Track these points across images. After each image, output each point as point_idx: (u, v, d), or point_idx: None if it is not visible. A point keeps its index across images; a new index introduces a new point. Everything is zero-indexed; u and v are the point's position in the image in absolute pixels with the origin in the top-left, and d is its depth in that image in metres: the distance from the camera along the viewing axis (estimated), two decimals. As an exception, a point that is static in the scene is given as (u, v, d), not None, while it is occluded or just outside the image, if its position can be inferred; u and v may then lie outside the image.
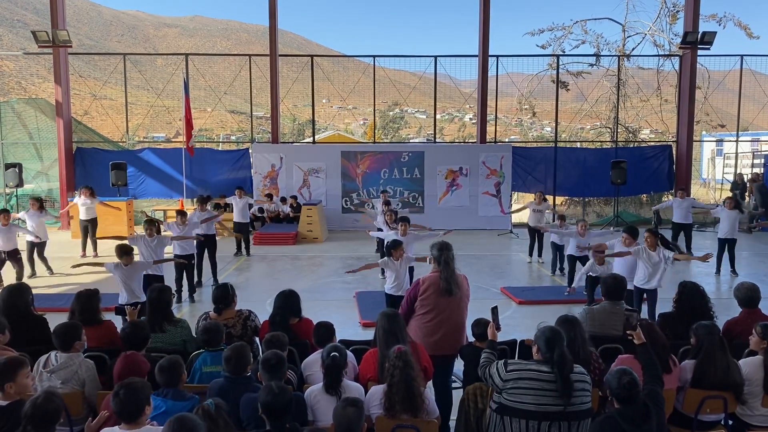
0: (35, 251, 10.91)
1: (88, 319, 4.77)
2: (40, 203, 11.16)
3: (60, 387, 3.85)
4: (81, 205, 12.62)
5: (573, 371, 3.37)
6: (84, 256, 12.48)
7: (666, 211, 18.14)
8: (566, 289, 9.53)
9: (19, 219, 11.40)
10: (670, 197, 18.83)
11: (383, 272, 10.27)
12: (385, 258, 6.79)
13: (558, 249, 10.74)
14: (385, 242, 9.08)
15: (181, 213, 9.27)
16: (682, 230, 12.71)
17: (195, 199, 10.91)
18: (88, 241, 12.65)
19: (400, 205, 16.19)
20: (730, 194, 17.13)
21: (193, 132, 15.53)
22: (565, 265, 10.37)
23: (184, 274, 9.19)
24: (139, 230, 16.35)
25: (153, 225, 7.94)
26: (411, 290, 4.80)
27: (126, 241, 7.25)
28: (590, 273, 8.36)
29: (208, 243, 9.92)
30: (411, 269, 8.33)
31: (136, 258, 7.07)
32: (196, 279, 9.63)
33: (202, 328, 4.40)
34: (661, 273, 6.88)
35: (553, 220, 11.05)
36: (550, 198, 17.71)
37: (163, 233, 8.48)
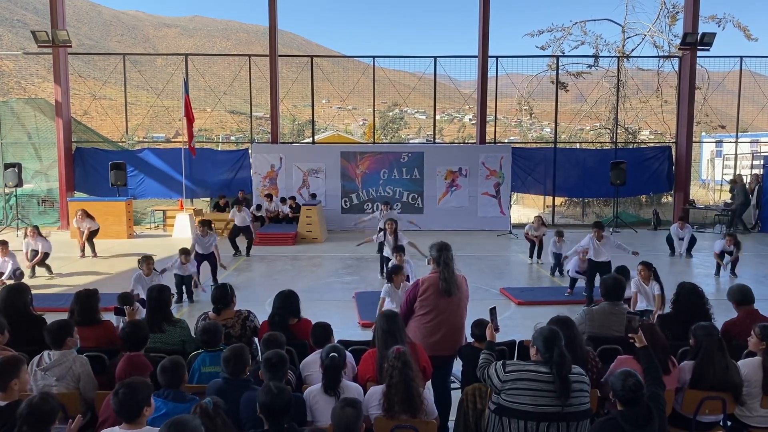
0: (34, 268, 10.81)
1: (87, 319, 4.77)
2: (36, 230, 10.92)
3: (55, 384, 3.85)
4: (80, 229, 12.57)
5: (571, 372, 3.37)
6: (83, 257, 12.47)
7: (665, 212, 18.22)
8: (566, 290, 9.53)
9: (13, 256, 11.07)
10: (670, 198, 18.90)
11: (382, 272, 10.34)
12: (387, 286, 6.78)
13: (558, 258, 10.72)
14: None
15: (185, 251, 9.05)
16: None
17: (198, 222, 10.85)
18: (86, 243, 12.60)
19: (400, 206, 16.20)
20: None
21: (194, 133, 15.54)
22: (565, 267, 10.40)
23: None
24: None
25: (150, 262, 7.72)
26: (410, 291, 4.80)
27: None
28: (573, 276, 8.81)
29: (208, 258, 9.92)
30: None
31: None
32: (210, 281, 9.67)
33: (201, 328, 4.39)
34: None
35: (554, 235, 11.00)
36: (549, 199, 17.79)
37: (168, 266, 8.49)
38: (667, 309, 5.22)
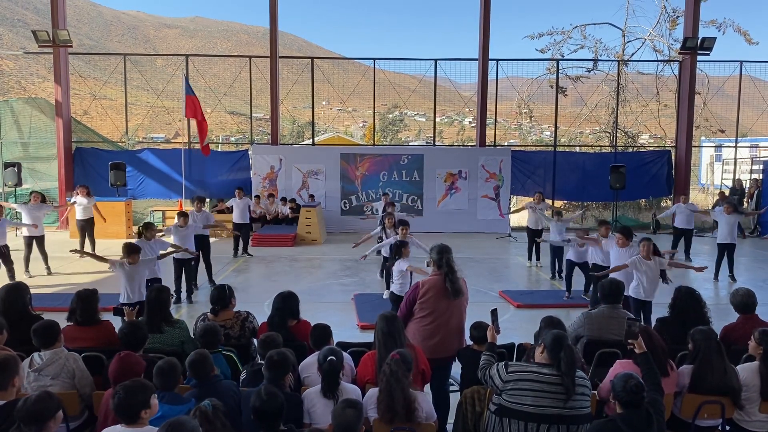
0: (34, 245, 10.83)
1: (87, 319, 4.76)
2: (42, 196, 11.14)
3: (50, 384, 3.83)
4: (77, 205, 12.55)
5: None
6: (82, 257, 12.44)
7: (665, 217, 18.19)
8: (564, 294, 9.52)
9: (14, 209, 11.32)
10: (669, 202, 18.88)
11: (381, 274, 10.33)
12: (399, 261, 7.04)
13: (556, 252, 10.71)
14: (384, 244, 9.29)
15: (182, 214, 9.21)
16: (683, 235, 12.71)
17: (192, 199, 10.92)
18: (86, 241, 12.58)
19: (399, 209, 16.20)
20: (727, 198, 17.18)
21: (194, 134, 15.53)
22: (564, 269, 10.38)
23: (183, 274, 9.18)
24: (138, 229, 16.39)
25: (153, 228, 7.95)
26: (410, 293, 4.79)
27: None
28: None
29: (202, 245, 9.90)
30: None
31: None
32: (206, 282, 9.70)
33: (201, 330, 4.39)
34: (657, 284, 6.86)
35: (552, 216, 10.95)
36: (548, 202, 17.77)
37: (162, 237, 8.50)
38: (665, 313, 5.20)
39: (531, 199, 12.69)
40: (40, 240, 10.91)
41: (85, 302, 4.81)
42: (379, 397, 3.53)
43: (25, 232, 10.87)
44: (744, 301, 4.96)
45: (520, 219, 18.00)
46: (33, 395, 2.99)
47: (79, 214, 12.59)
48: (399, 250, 7.00)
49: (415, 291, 4.73)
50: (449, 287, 4.62)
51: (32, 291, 5.24)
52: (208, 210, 10.83)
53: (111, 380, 3.60)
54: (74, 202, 12.71)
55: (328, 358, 3.64)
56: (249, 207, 13.10)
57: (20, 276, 10.16)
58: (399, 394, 3.48)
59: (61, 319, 4.36)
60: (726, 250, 10.89)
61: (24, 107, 18.11)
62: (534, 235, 11.87)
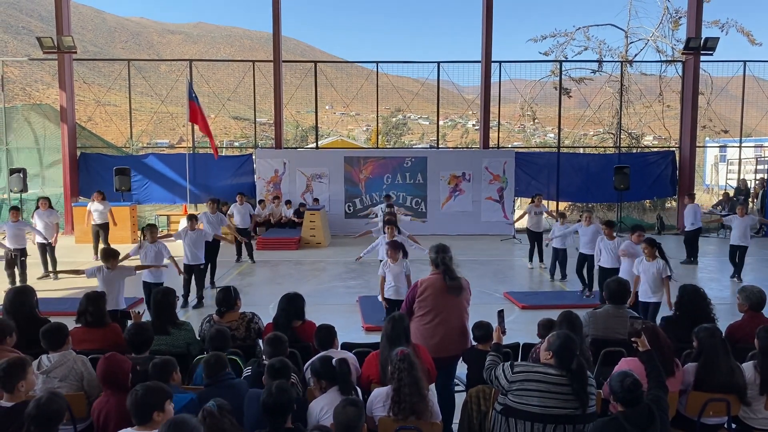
0: (46, 252, 11.03)
1: (95, 321, 4.79)
2: (48, 202, 11.25)
3: (58, 386, 3.86)
4: (94, 210, 12.77)
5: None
6: (57, 277, 12.42)
7: (669, 217, 18.15)
8: (585, 293, 9.47)
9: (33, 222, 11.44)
10: (674, 203, 18.84)
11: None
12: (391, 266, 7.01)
13: (558, 254, 10.69)
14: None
15: (192, 217, 9.22)
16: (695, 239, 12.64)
17: (212, 201, 10.91)
18: (100, 245, 12.68)
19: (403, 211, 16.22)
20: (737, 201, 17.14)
21: (198, 138, 15.64)
22: (567, 269, 10.35)
23: (193, 277, 9.16)
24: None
25: (154, 230, 8.02)
26: (410, 292, 4.84)
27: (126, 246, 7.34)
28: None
29: (211, 248, 9.91)
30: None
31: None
32: (208, 283, 9.74)
33: (210, 335, 4.33)
34: (662, 286, 6.69)
35: (556, 220, 10.92)
36: (553, 204, 17.75)
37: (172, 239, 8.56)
38: (669, 312, 5.20)
39: (529, 202, 12.69)
40: (51, 247, 11.10)
41: (95, 303, 4.84)
42: (397, 395, 3.50)
43: (38, 239, 10.98)
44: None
45: (523, 221, 18.02)
46: (43, 397, 3.01)
47: (95, 218, 12.82)
48: (390, 250, 6.97)
49: (414, 290, 4.77)
50: (448, 283, 4.65)
51: (38, 295, 5.27)
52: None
53: (100, 380, 3.65)
54: (87, 207, 12.91)
55: (336, 360, 3.66)
56: (250, 213, 12.96)
57: (34, 279, 10.29)
58: (416, 389, 3.49)
59: (66, 323, 4.38)
60: (738, 252, 10.87)
61: (29, 114, 18.19)
62: (535, 237, 11.84)
